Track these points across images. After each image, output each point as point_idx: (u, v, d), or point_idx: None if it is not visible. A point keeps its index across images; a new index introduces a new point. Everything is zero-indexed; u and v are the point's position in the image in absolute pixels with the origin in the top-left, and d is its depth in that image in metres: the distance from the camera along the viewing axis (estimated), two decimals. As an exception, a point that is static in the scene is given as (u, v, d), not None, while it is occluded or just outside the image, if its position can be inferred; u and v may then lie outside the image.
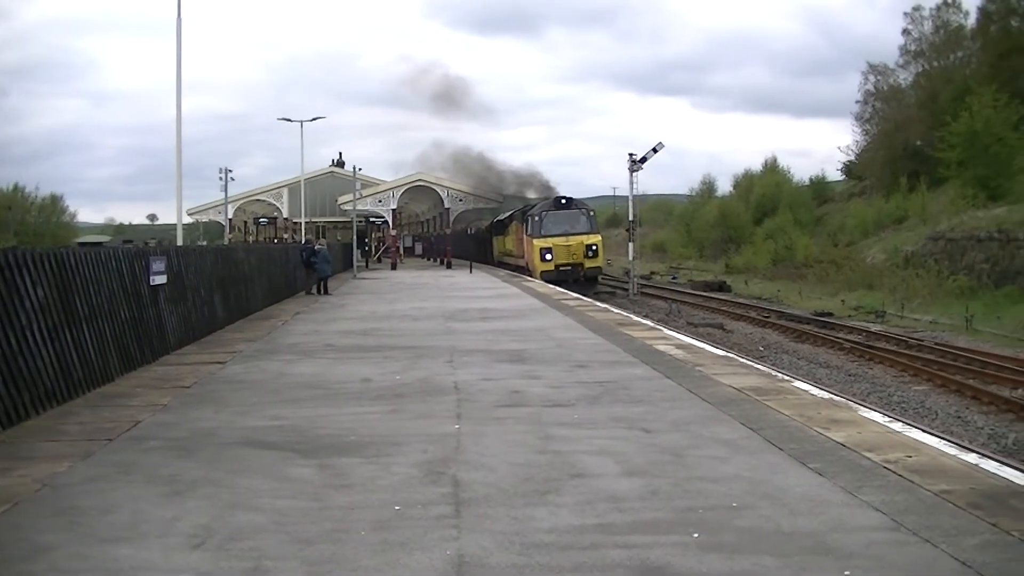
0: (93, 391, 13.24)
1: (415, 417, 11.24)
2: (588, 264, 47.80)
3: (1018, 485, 7.77)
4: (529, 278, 46.51)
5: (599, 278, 50.84)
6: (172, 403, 12.46)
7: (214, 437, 10.26)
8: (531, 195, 65.18)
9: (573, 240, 47.68)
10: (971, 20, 69.96)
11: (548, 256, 47.29)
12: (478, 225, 76.88)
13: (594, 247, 48.09)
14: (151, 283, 16.83)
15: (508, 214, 62.02)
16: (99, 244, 32.92)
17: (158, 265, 17.27)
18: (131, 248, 19.51)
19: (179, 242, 34.65)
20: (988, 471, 8.24)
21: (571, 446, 9.46)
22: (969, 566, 5.97)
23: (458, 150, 71.36)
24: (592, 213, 50.77)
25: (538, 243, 47.96)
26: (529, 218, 50.56)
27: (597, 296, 41.88)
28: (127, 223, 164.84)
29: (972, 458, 8.79)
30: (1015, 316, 33.06)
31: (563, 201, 50.38)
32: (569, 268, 46.89)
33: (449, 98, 79.40)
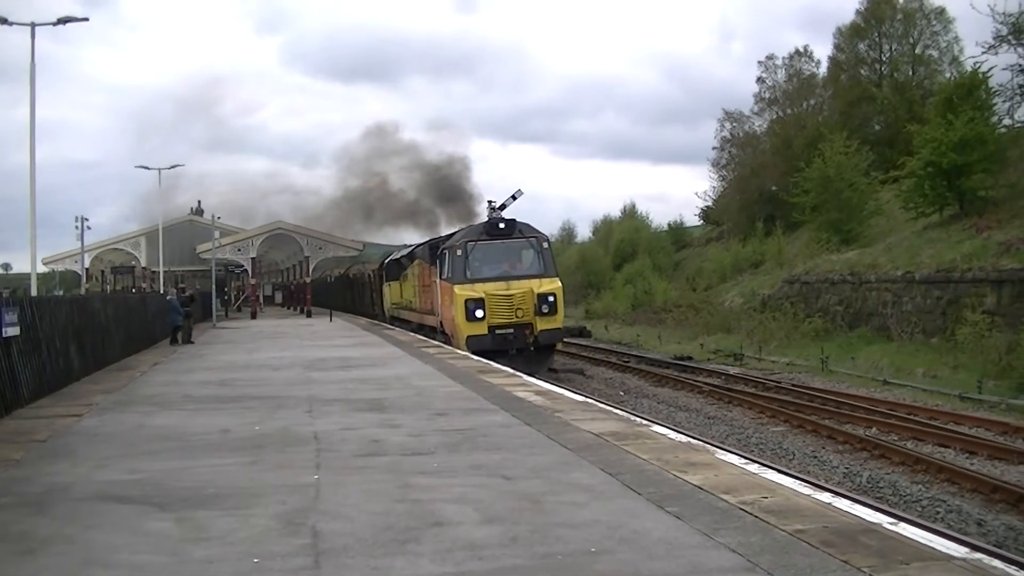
0: (-59, 448, 12.90)
1: (274, 468, 11.20)
2: (541, 325, 30.27)
3: (869, 522, 8.04)
4: (388, 326, 43.02)
5: (557, 346, 32.97)
6: (25, 458, 12.21)
7: (69, 492, 10.08)
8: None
9: (517, 287, 30.51)
10: (822, 69, 72.44)
11: (479, 312, 29.91)
12: (360, 269, 66.34)
13: (551, 298, 30.37)
14: (2, 335, 16.46)
15: (408, 250, 44.39)
16: (-52, 295, 31.93)
17: (10, 316, 16.90)
18: (-19, 299, 19.06)
19: (33, 292, 33.97)
20: (841, 509, 8.51)
21: (431, 494, 9.52)
22: (820, 603, 6.17)
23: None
24: (547, 244, 32.37)
25: (461, 292, 30.35)
26: (446, 252, 32.14)
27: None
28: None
29: (826, 497, 9.07)
30: (868, 357, 33.94)
31: (501, 226, 31.86)
32: (511, 331, 30.01)
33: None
